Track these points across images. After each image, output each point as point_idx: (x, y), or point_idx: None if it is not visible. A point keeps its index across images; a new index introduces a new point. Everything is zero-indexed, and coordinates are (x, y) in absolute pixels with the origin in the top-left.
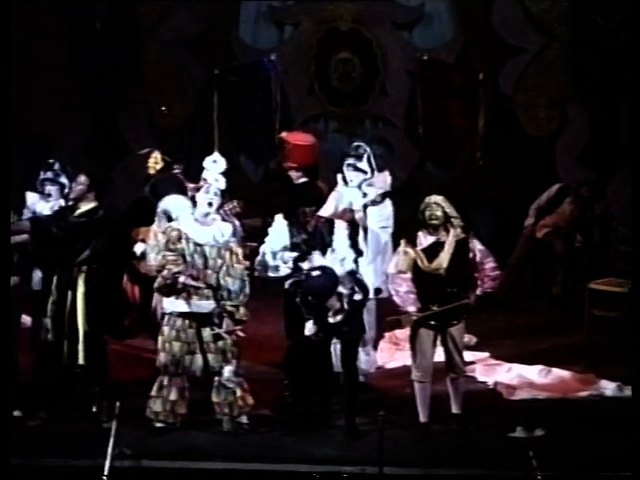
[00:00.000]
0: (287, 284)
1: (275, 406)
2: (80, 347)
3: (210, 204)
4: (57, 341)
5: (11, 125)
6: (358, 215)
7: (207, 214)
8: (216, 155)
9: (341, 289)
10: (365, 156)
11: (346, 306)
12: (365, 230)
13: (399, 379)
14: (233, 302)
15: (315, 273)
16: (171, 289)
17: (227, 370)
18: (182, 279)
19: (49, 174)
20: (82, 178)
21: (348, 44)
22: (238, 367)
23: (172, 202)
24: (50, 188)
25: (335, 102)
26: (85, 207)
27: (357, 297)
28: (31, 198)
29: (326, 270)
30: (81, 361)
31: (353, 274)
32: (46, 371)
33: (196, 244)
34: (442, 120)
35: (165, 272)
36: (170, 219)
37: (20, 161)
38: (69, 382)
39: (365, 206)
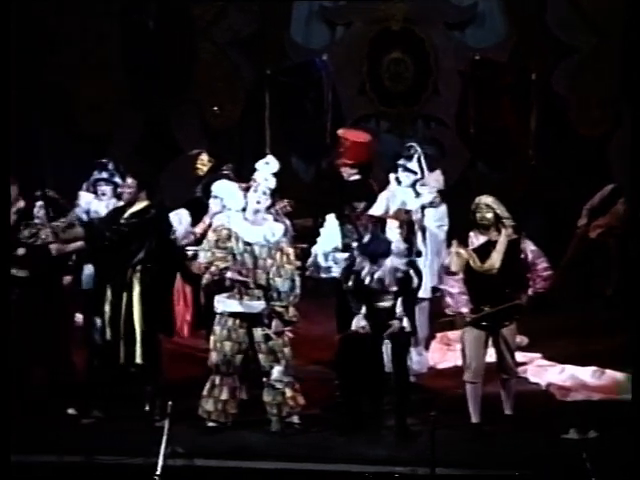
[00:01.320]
0: (339, 273)
1: (326, 406)
2: (137, 346)
3: (258, 202)
4: (114, 341)
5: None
6: (415, 216)
7: (256, 212)
8: (269, 158)
9: (394, 264)
10: (415, 157)
11: (398, 288)
12: (424, 230)
13: (450, 380)
14: (282, 303)
15: (367, 239)
16: (219, 286)
17: (276, 371)
18: (229, 274)
19: (104, 174)
20: (129, 181)
21: (400, 44)
22: (289, 368)
23: (222, 187)
24: (104, 188)
25: (386, 102)
26: (136, 207)
27: (411, 282)
28: (85, 198)
29: (379, 236)
30: (139, 360)
31: (409, 260)
32: (101, 370)
33: (246, 243)
34: (494, 120)
35: (212, 268)
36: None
37: (75, 161)
38: (123, 381)
39: (423, 207)
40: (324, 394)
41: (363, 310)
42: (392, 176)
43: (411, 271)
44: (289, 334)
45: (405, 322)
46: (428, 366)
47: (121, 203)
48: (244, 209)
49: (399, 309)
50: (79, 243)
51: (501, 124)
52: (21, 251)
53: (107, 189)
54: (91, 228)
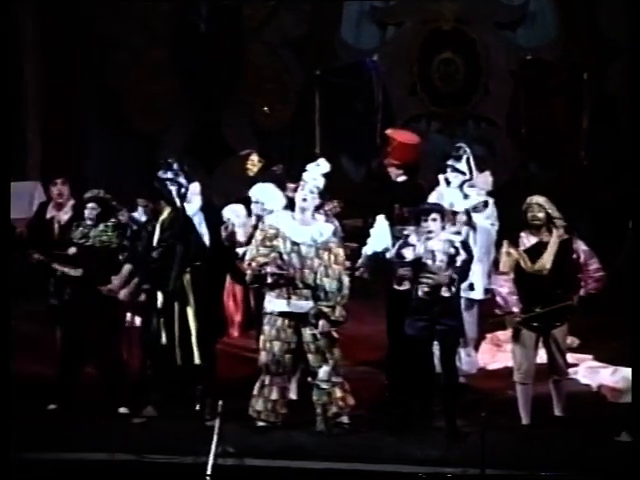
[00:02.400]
0: (391, 254)
1: (375, 406)
2: (194, 348)
3: (304, 199)
4: (169, 343)
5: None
6: (463, 217)
7: (303, 211)
8: (321, 160)
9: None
10: (464, 157)
11: (447, 262)
12: (474, 229)
13: (501, 380)
14: (329, 303)
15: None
16: (261, 281)
17: (322, 371)
18: (269, 269)
19: (169, 174)
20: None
21: (451, 44)
22: (336, 368)
23: (260, 191)
24: (169, 188)
25: (437, 102)
26: (162, 217)
27: (460, 258)
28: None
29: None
30: (197, 361)
31: (462, 239)
32: (155, 371)
33: (293, 243)
34: (545, 120)
35: (253, 264)
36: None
37: (129, 161)
38: (176, 381)
39: (467, 212)
40: (373, 394)
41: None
42: (441, 177)
43: (461, 250)
44: (335, 334)
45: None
46: (478, 367)
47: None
48: (290, 208)
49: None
50: (129, 267)
51: (553, 124)
52: (72, 250)
53: (171, 189)
54: (128, 249)
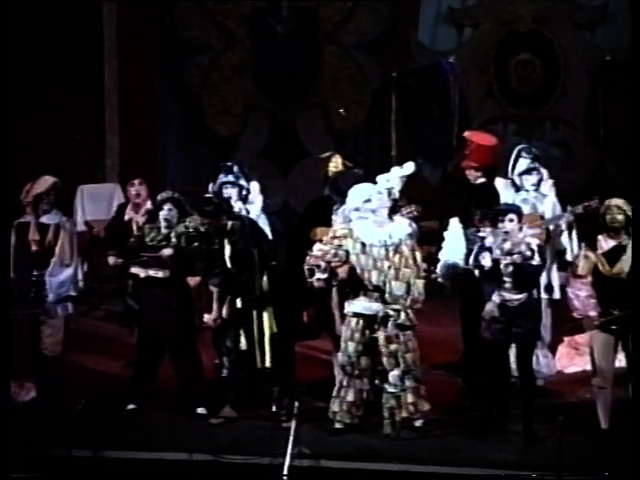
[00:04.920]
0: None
1: (452, 409)
2: (267, 350)
3: (369, 200)
4: (248, 346)
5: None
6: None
7: (374, 212)
8: (408, 164)
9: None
10: (537, 158)
11: (519, 262)
12: (570, 229)
13: (579, 384)
14: (397, 306)
15: None
16: (310, 271)
17: (391, 375)
18: (311, 260)
19: (230, 177)
20: (198, 219)
21: (528, 45)
22: (408, 373)
23: (360, 193)
24: (230, 191)
25: (514, 104)
26: (227, 229)
27: (534, 262)
28: None
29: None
30: (268, 364)
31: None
32: (233, 372)
33: (363, 244)
34: (624, 122)
35: (311, 260)
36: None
37: (206, 163)
38: (254, 382)
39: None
40: (449, 398)
41: (495, 298)
42: (506, 181)
43: (536, 255)
44: (401, 337)
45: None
46: (556, 369)
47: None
48: (372, 210)
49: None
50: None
51: (631, 126)
52: (167, 252)
53: (233, 192)
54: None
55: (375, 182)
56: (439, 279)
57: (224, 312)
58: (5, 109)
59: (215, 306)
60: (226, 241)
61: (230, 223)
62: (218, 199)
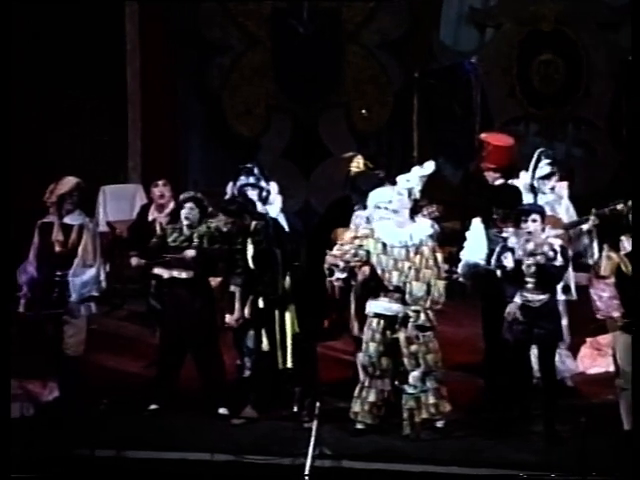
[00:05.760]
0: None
1: (473, 410)
2: (288, 351)
3: (390, 202)
4: (270, 347)
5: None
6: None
7: (395, 213)
8: (428, 163)
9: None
10: (550, 160)
11: (542, 263)
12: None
13: (601, 385)
14: (416, 307)
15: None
16: (329, 270)
17: (412, 376)
18: (330, 260)
19: (251, 179)
20: (222, 218)
21: (551, 45)
22: (432, 374)
23: (381, 195)
24: (251, 193)
25: (536, 104)
26: (250, 230)
27: (557, 263)
28: None
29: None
30: (289, 365)
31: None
32: (254, 372)
33: (384, 244)
34: None
35: (330, 259)
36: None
37: (229, 164)
38: (275, 383)
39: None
40: (471, 398)
41: (517, 298)
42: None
43: (559, 256)
44: (420, 339)
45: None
46: (578, 368)
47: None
48: (394, 211)
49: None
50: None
51: None
52: (191, 253)
53: (253, 194)
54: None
55: (396, 183)
56: (461, 279)
57: (246, 312)
58: (27, 110)
59: (237, 306)
60: (249, 241)
61: (254, 223)
62: (242, 199)
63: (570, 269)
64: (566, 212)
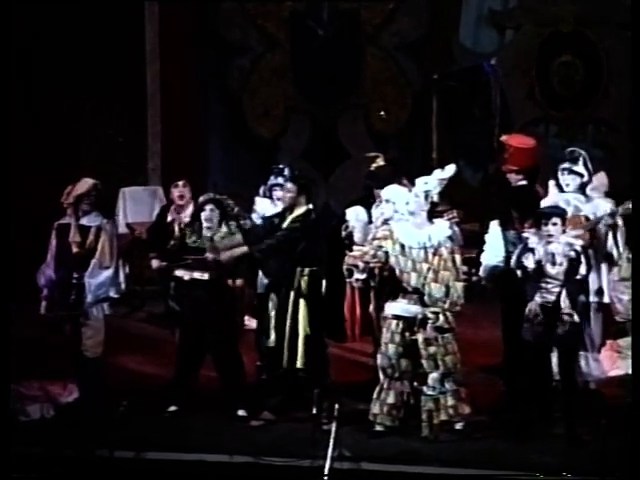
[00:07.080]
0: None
1: (493, 412)
2: (299, 351)
3: (407, 203)
4: (277, 345)
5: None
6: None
7: (412, 214)
8: (450, 166)
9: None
10: (581, 159)
11: (566, 271)
12: (614, 232)
13: (622, 388)
14: (435, 309)
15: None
16: (348, 271)
17: (431, 377)
18: (350, 260)
19: (280, 179)
20: (289, 185)
21: (570, 47)
22: (452, 376)
23: (393, 191)
24: (280, 193)
25: (556, 106)
26: (297, 212)
27: (580, 270)
28: (261, 204)
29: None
30: (299, 365)
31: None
32: (270, 373)
33: (402, 245)
34: None
35: (350, 260)
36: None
37: (248, 165)
38: (293, 384)
39: (612, 213)
40: (490, 400)
41: (537, 299)
42: (552, 183)
43: (582, 257)
44: (439, 340)
45: (575, 317)
46: (607, 373)
47: (279, 209)
48: (410, 212)
49: (565, 303)
50: (244, 248)
51: None
52: (210, 256)
53: (282, 194)
54: (250, 235)
55: (414, 185)
56: (482, 282)
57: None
58: (47, 112)
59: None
60: (288, 219)
61: (303, 208)
62: (304, 180)
63: (604, 271)
64: (594, 213)
